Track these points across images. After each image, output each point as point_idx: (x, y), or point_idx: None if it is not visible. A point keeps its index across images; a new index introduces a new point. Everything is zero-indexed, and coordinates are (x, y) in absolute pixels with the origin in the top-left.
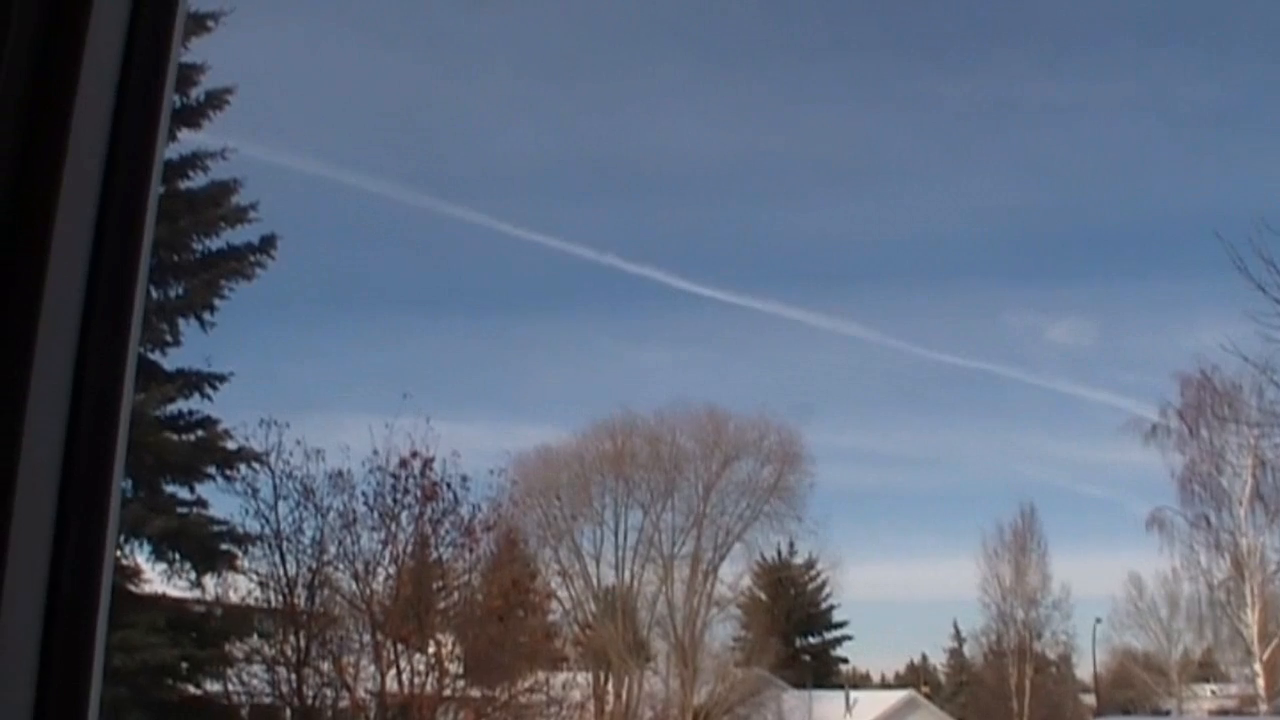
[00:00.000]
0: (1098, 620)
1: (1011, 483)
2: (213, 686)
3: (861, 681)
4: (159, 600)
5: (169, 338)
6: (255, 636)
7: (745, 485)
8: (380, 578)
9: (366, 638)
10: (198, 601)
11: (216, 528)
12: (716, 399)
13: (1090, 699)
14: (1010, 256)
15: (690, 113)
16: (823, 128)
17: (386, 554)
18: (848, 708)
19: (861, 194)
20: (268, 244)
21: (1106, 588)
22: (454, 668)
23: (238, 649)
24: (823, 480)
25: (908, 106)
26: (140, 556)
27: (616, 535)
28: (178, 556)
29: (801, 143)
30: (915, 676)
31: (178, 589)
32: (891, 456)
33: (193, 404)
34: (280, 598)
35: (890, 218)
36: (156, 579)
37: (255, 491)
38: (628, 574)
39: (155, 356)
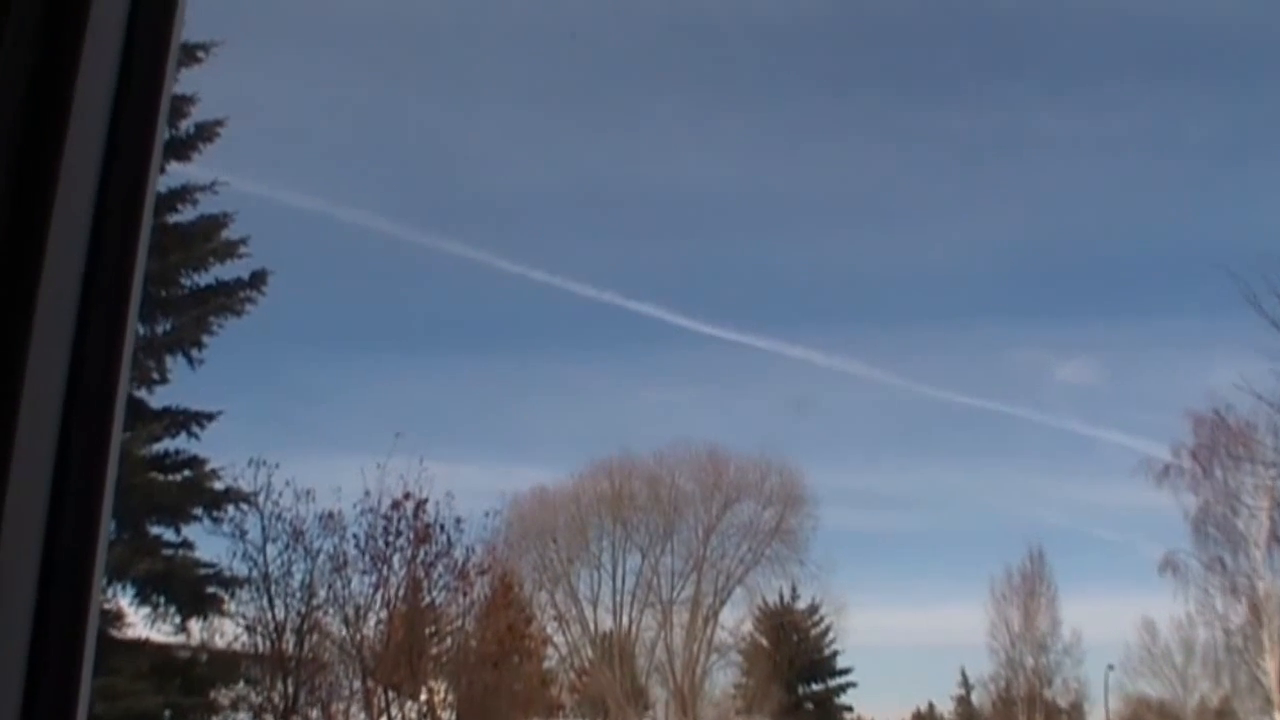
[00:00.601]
0: (1110, 667)
1: (1020, 525)
2: None
3: None
4: (143, 645)
5: (156, 375)
6: (242, 683)
7: (746, 528)
8: (371, 622)
9: (357, 684)
10: (183, 647)
11: (203, 570)
12: (717, 439)
13: None
14: (1018, 293)
15: (693, 146)
16: (828, 162)
17: (378, 598)
18: None
19: (867, 229)
20: (258, 279)
21: (1119, 633)
22: (447, 715)
23: (224, 696)
24: (826, 523)
25: (914, 140)
26: (124, 600)
27: (614, 579)
28: (163, 600)
29: (806, 177)
30: None
31: (162, 634)
32: (897, 498)
33: (180, 443)
34: (268, 643)
35: (896, 253)
36: (140, 623)
37: (243, 533)
38: (626, 619)
39: (142, 394)
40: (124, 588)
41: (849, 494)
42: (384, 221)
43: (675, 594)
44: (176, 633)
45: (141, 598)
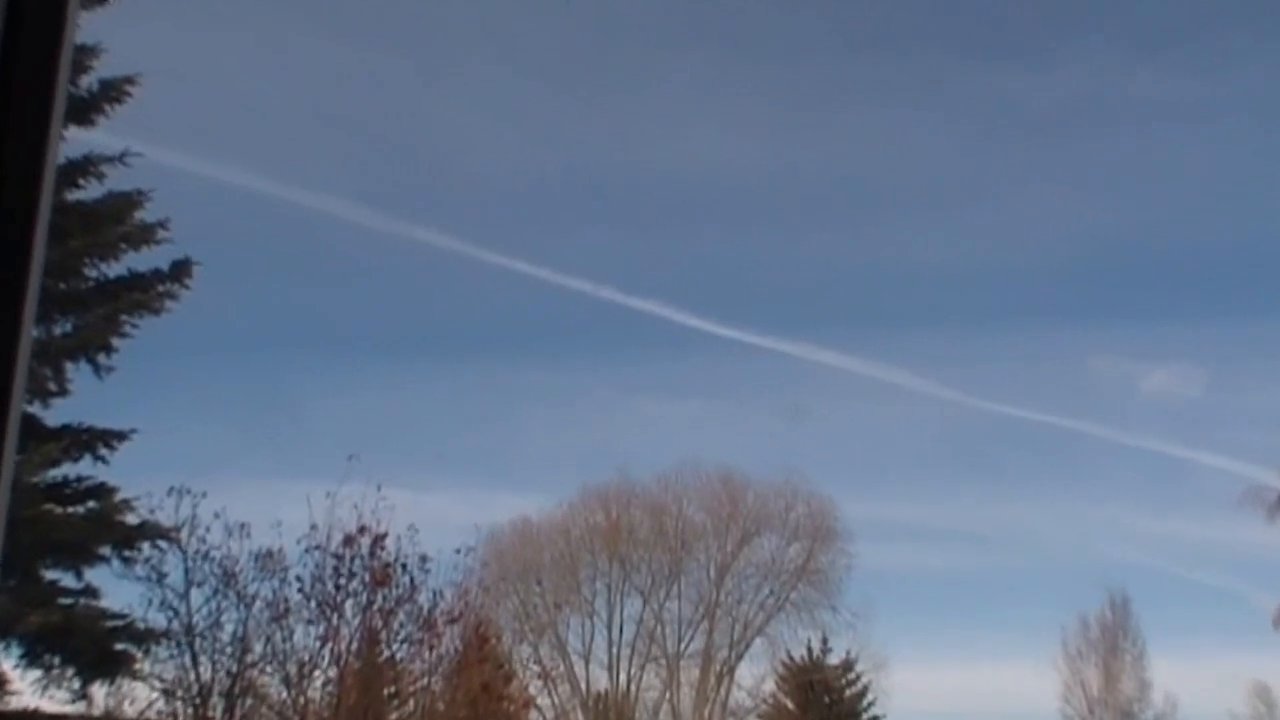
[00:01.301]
0: None
1: (1099, 566)
2: None
3: None
4: (30, 718)
5: (53, 385)
6: None
7: (768, 567)
8: (318, 682)
9: None
10: (82, 717)
11: (110, 623)
12: (734, 461)
13: None
14: (1096, 290)
15: (704, 120)
16: (864, 136)
17: (326, 653)
18: None
19: (910, 216)
20: (181, 271)
21: (1224, 700)
22: None
23: None
24: (864, 562)
25: (966, 110)
26: (7, 662)
27: (610, 629)
28: (59, 660)
29: (839, 154)
30: None
31: (57, 702)
32: (949, 533)
33: (83, 468)
34: (191, 709)
35: (947, 243)
36: (28, 690)
37: (161, 577)
38: (624, 676)
39: (34, 409)
40: (8, 646)
41: (891, 527)
42: (342, 204)
43: (683, 646)
44: (75, 700)
45: (31, 658)
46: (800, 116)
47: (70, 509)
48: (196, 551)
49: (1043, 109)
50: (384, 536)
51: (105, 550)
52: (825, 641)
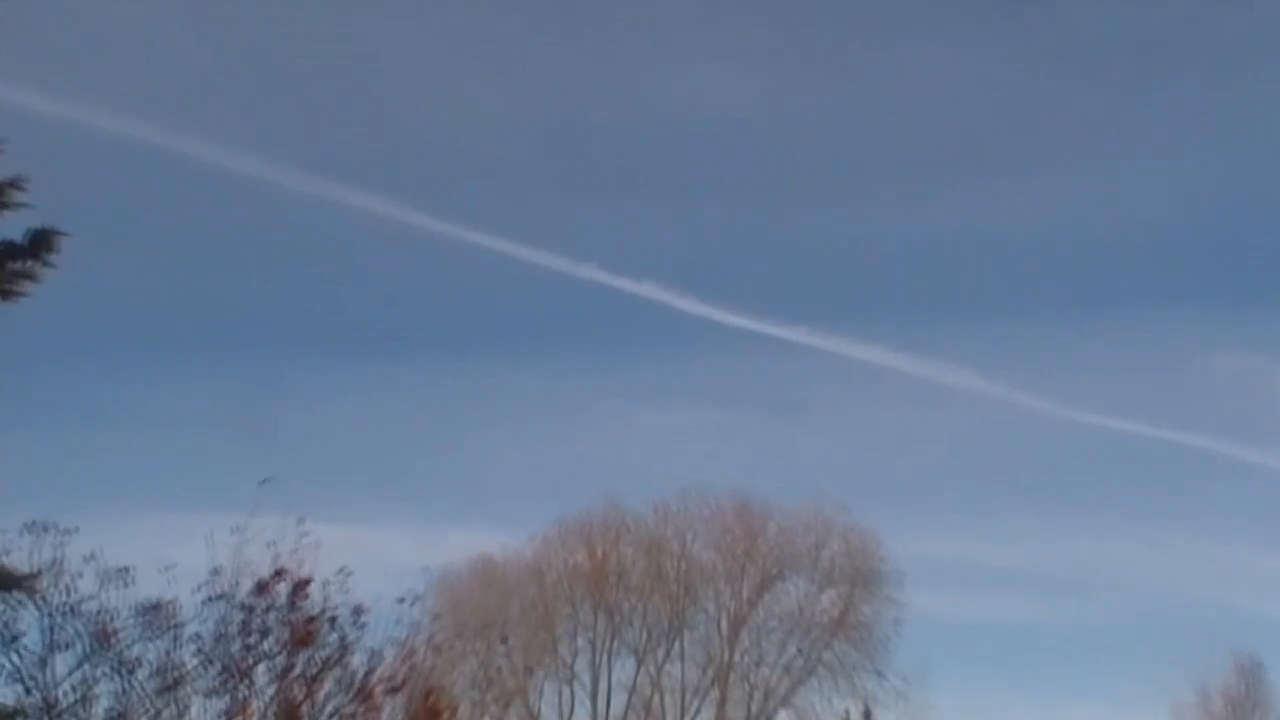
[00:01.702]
0: None
1: (1224, 621)
2: None
3: None
4: None
5: None
6: None
7: (795, 619)
8: None
9: None
10: None
11: None
12: (751, 484)
13: None
14: (1222, 269)
15: (708, 55)
16: (910, 80)
17: None
18: None
19: (968, 179)
20: (43, 243)
21: None
22: None
23: None
24: (918, 612)
25: (1036, 44)
26: None
27: (595, 698)
28: None
29: (874, 103)
30: None
31: None
32: (1026, 575)
33: None
34: None
35: (1022, 212)
36: None
37: (13, 638)
38: None
39: None
40: None
41: (952, 568)
42: (246, 160)
43: (689, 718)
44: None
45: None
46: (826, 55)
47: None
48: (62, 604)
49: (1129, 40)
50: (307, 582)
51: None
52: (868, 714)
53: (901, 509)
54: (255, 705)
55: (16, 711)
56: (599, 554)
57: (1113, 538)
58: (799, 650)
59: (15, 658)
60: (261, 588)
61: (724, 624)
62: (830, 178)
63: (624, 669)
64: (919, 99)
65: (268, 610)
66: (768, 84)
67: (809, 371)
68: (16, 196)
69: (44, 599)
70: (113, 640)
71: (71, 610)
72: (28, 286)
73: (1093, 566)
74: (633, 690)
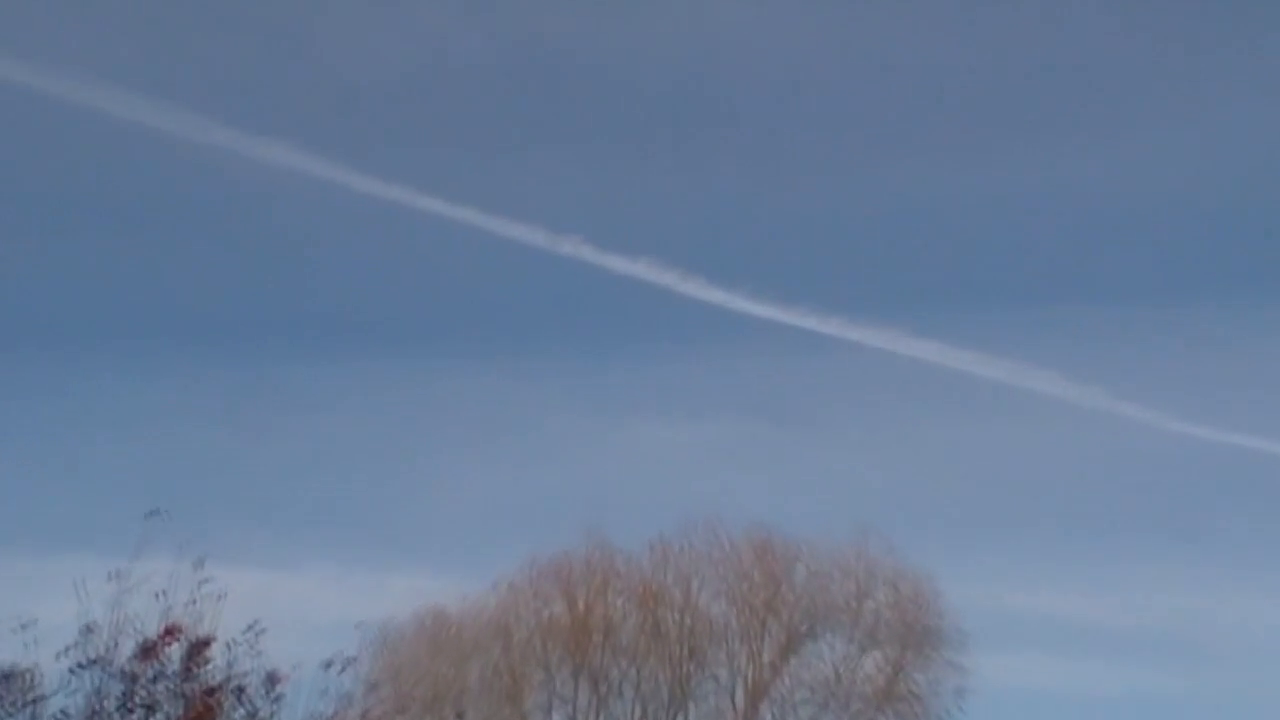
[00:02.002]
0: None
1: None
2: None
3: None
4: None
5: None
6: None
7: (830, 689)
8: None
9: None
10: None
11: None
12: (773, 516)
13: None
14: None
15: None
16: (958, 15)
17: None
18: None
19: (1038, 134)
20: None
21: None
22: None
23: None
24: (986, 680)
25: None
26: None
27: None
28: None
29: (920, 39)
30: None
31: None
32: (1128, 634)
33: None
34: None
35: (1099, 175)
36: None
37: None
38: None
39: None
40: None
41: (1032, 625)
42: (131, 104)
43: None
44: None
45: None
46: None
47: None
48: None
49: None
50: (207, 643)
51: None
52: None
53: (965, 549)
54: None
55: None
56: (581, 606)
57: (1250, 588)
58: None
59: None
60: (148, 650)
61: (740, 695)
62: (868, 134)
63: None
64: (965, 39)
65: (155, 679)
66: (792, 19)
67: (846, 373)
68: None
69: None
70: None
71: None
72: None
73: (1222, 623)
74: None
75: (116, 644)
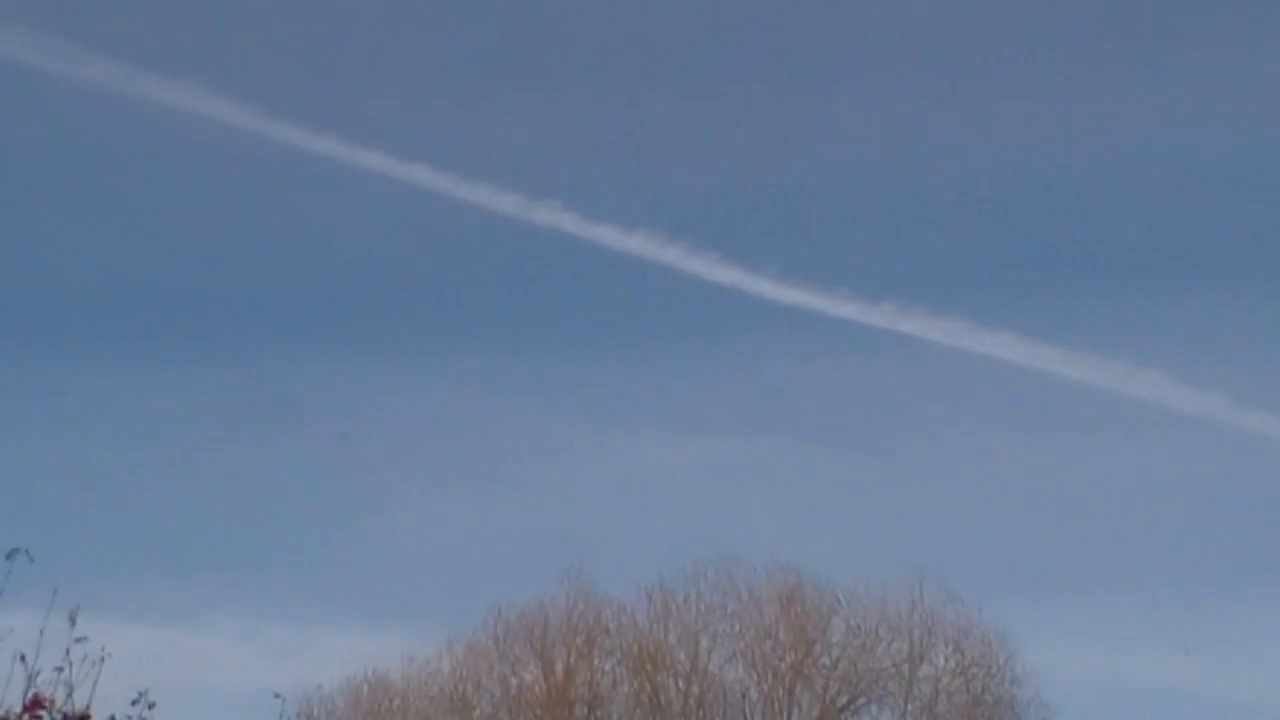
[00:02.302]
0: None
1: None
2: None
3: None
4: None
5: None
6: None
7: None
8: None
9: None
10: None
11: None
12: (802, 555)
13: None
14: None
15: None
16: None
17: None
18: None
19: (1127, 94)
20: None
21: None
22: None
23: None
24: None
25: None
26: None
27: None
28: None
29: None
30: None
31: None
32: (1245, 707)
33: None
34: None
35: (1184, 132)
36: None
37: None
38: None
39: None
40: None
41: (1132, 694)
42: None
43: None
44: None
45: None
46: None
47: None
48: None
49: None
50: (83, 719)
51: None
52: None
53: (1047, 600)
54: None
55: None
56: (559, 671)
57: None
58: None
59: None
60: None
61: None
62: (895, 82)
63: None
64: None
65: None
66: None
67: (897, 375)
68: None
69: None
70: None
71: None
72: None
73: None
74: None
75: None
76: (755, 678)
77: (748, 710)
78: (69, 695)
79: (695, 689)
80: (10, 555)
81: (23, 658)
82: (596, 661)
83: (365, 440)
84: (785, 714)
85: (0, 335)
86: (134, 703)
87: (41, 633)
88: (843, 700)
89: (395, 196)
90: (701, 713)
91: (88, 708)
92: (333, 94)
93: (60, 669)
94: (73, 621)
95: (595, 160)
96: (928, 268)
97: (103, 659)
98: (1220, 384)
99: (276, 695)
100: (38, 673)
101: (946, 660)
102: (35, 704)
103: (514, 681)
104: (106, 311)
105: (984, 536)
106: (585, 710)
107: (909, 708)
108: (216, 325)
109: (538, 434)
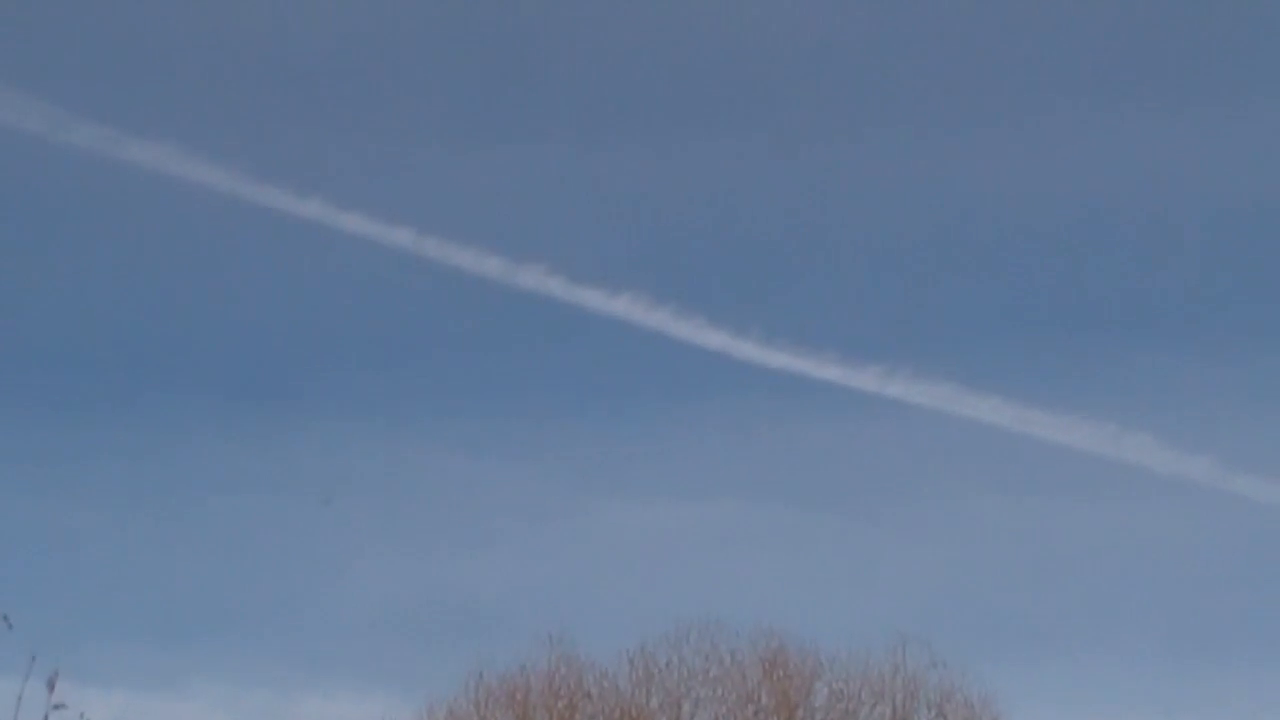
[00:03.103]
0: None
1: None
2: None
3: None
4: None
5: None
6: None
7: None
8: None
9: None
10: None
11: None
12: (786, 621)
13: None
14: None
15: None
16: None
17: None
18: None
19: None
20: None
21: None
22: None
23: None
24: None
25: None
26: None
27: None
28: None
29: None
30: None
31: None
32: None
33: None
34: None
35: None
36: None
37: None
38: None
39: None
40: None
41: None
42: None
43: None
44: None
45: None
46: None
47: None
48: None
49: None
50: None
51: None
52: None
53: (1035, 664)
54: None
55: None
56: None
57: None
58: None
59: None
60: None
61: None
62: (911, 127)
63: None
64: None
65: None
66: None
67: (884, 439)
68: None
69: None
70: None
71: None
72: None
73: None
74: None
75: None
76: None
77: None
78: None
79: None
80: None
81: None
82: None
83: (346, 503)
84: None
85: None
86: None
87: (20, 699)
88: None
89: (379, 259)
90: None
91: None
92: (314, 156)
93: None
94: (51, 687)
95: (580, 220)
96: (914, 328)
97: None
98: (1206, 447)
99: None
100: None
101: None
102: None
103: None
104: (85, 374)
105: (969, 600)
106: None
107: None
108: (196, 387)
109: (520, 497)
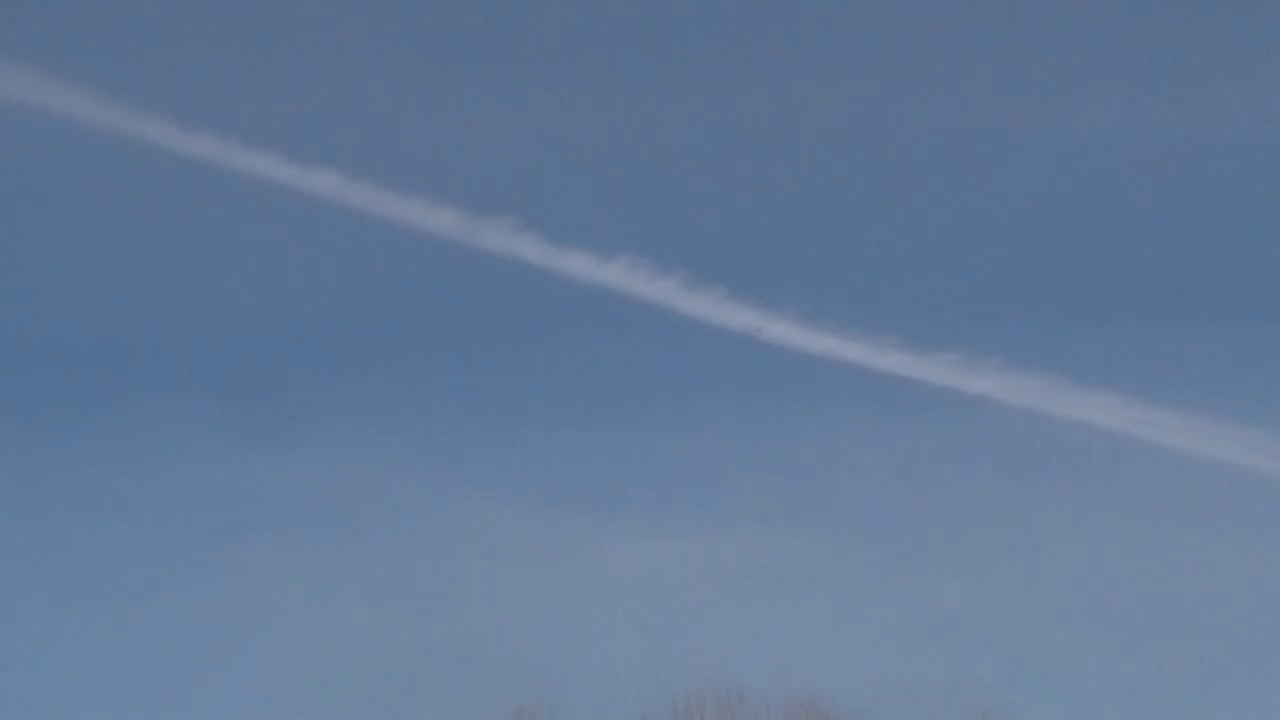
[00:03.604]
0: None
1: None
2: None
3: None
4: None
5: None
6: None
7: None
8: None
9: None
10: None
11: None
12: (818, 675)
13: None
14: None
15: None
16: None
17: None
18: None
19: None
20: None
21: None
22: None
23: None
24: None
25: None
26: None
27: None
28: None
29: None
30: None
31: None
32: None
33: None
34: None
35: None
36: None
37: None
38: None
39: None
40: None
41: None
42: None
43: None
44: None
45: None
46: None
47: None
48: None
49: None
50: None
51: None
52: None
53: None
54: None
55: None
56: None
57: None
58: None
59: None
60: None
61: None
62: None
63: None
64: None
65: None
66: None
67: (958, 445)
68: None
69: None
70: None
71: None
72: None
73: None
74: None
75: None
76: None
77: None
78: None
79: None
80: None
81: None
82: None
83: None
84: None
85: None
86: None
87: None
88: None
89: (294, 208)
90: None
91: None
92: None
93: None
94: None
95: (561, 164)
96: (1000, 308)
97: None
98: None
99: None
100: None
101: None
102: None
103: None
104: None
105: (1072, 661)
106: None
107: None
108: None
109: (483, 529)
